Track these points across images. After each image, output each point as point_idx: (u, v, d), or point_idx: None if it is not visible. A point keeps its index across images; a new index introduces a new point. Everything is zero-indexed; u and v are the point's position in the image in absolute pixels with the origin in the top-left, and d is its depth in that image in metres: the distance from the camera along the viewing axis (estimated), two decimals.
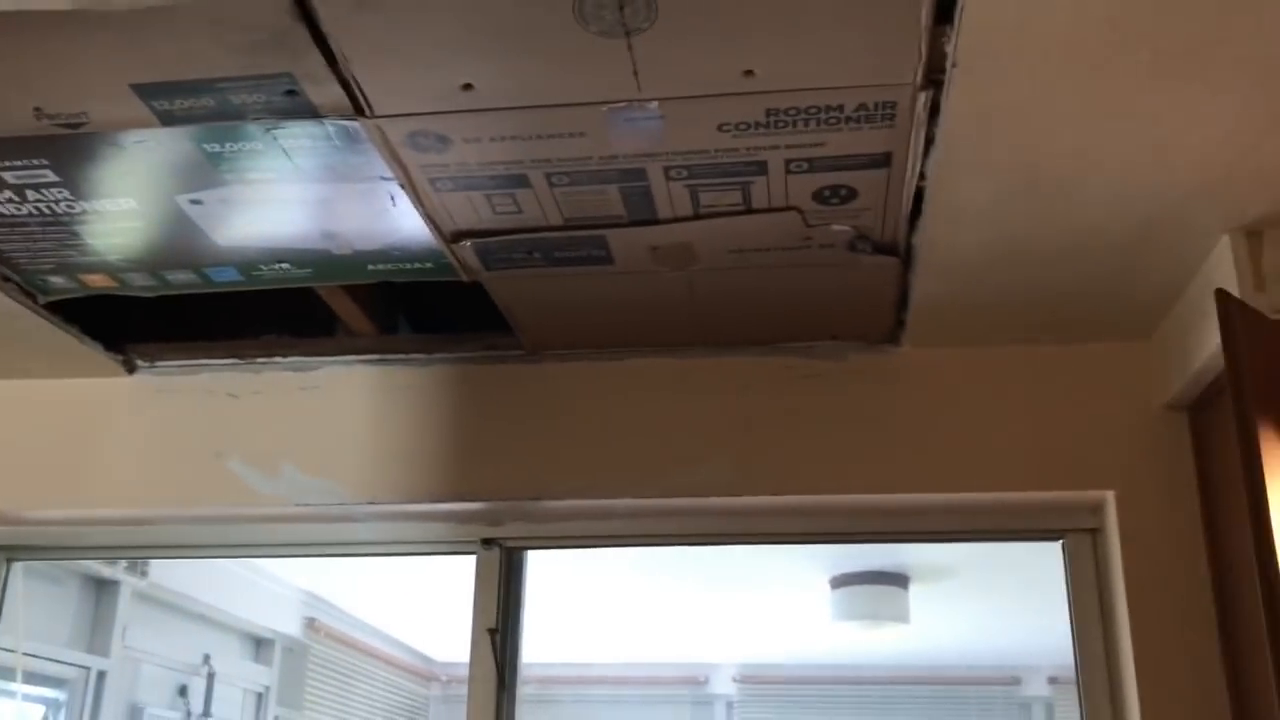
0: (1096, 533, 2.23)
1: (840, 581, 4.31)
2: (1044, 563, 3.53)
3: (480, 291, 2.13)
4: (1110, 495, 2.17)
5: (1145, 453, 2.16)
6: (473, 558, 2.39)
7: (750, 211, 1.81)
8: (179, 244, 1.96)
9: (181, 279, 2.09)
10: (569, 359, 2.37)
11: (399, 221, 1.88)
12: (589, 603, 4.59)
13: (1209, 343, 1.91)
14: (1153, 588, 2.08)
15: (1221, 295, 1.62)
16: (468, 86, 1.52)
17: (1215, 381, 1.98)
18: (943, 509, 2.28)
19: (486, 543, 2.39)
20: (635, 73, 1.47)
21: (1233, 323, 1.57)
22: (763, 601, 4.51)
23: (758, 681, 6.69)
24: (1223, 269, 1.83)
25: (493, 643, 2.30)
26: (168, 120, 1.60)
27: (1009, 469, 2.20)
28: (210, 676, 4.56)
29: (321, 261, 2.02)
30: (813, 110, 1.55)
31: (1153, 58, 1.42)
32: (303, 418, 2.40)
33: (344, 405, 2.41)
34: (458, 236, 1.92)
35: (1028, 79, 1.46)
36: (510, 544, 2.39)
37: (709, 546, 2.37)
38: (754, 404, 2.29)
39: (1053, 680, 6.26)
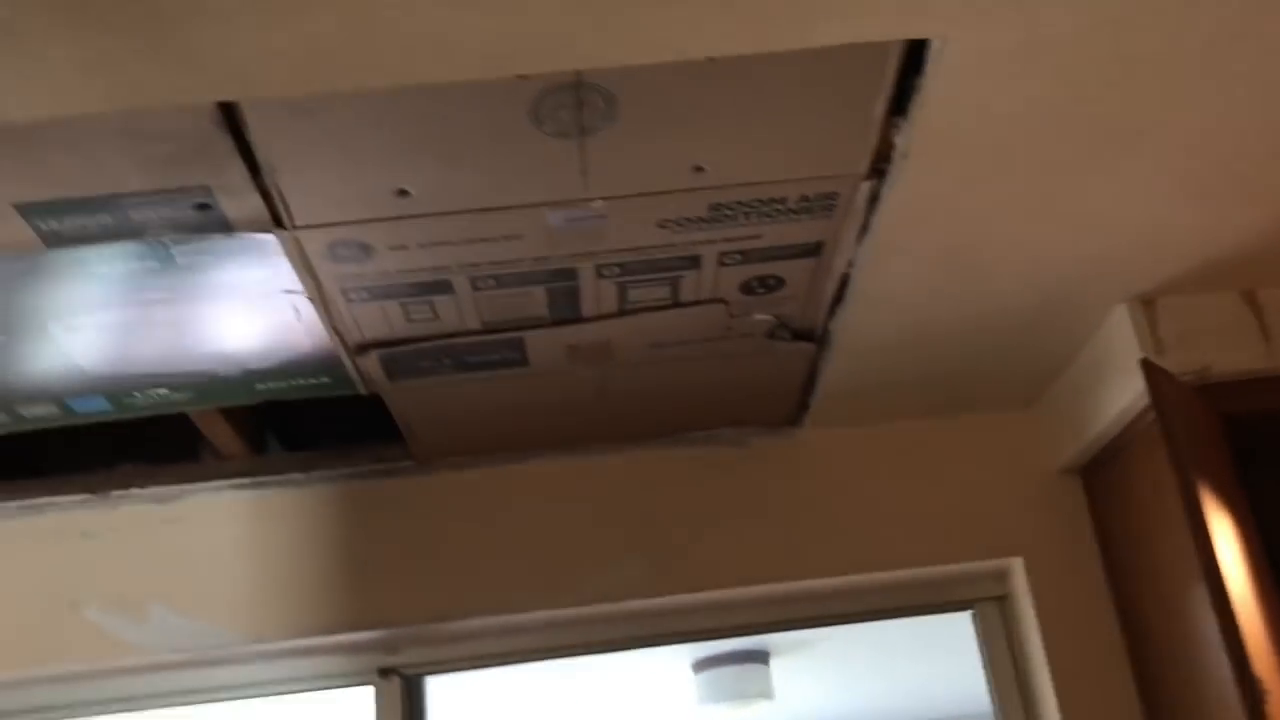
0: (1004, 599, 2.26)
1: (702, 665, 4.24)
2: (891, 629, 3.60)
3: (360, 400, 2.00)
4: (1015, 562, 2.21)
5: (1045, 517, 2.22)
6: (370, 689, 2.22)
7: (676, 305, 1.77)
8: (44, 376, 1.75)
9: (39, 413, 1.87)
10: (463, 466, 2.25)
11: (299, 336, 1.74)
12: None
13: (1106, 407, 1.99)
14: (1070, 647, 2.12)
15: (1147, 364, 1.68)
16: (402, 192, 1.42)
17: (1111, 444, 2.06)
18: (855, 590, 2.27)
19: (384, 672, 2.22)
20: (583, 172, 1.41)
21: (1161, 388, 1.63)
22: (625, 690, 4.41)
23: None
24: (1118, 337, 1.91)
25: None
26: (54, 242, 1.43)
27: (916, 545, 2.22)
28: None
29: (205, 384, 1.85)
30: (756, 203, 1.53)
31: (1083, 144, 1.47)
32: (170, 554, 2.18)
33: (216, 537, 2.20)
34: (363, 348, 1.79)
35: (967, 167, 1.49)
36: (410, 671, 2.23)
37: (626, 651, 2.27)
38: (661, 499, 2.23)
39: None
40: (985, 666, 2.25)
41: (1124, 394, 1.91)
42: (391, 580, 2.18)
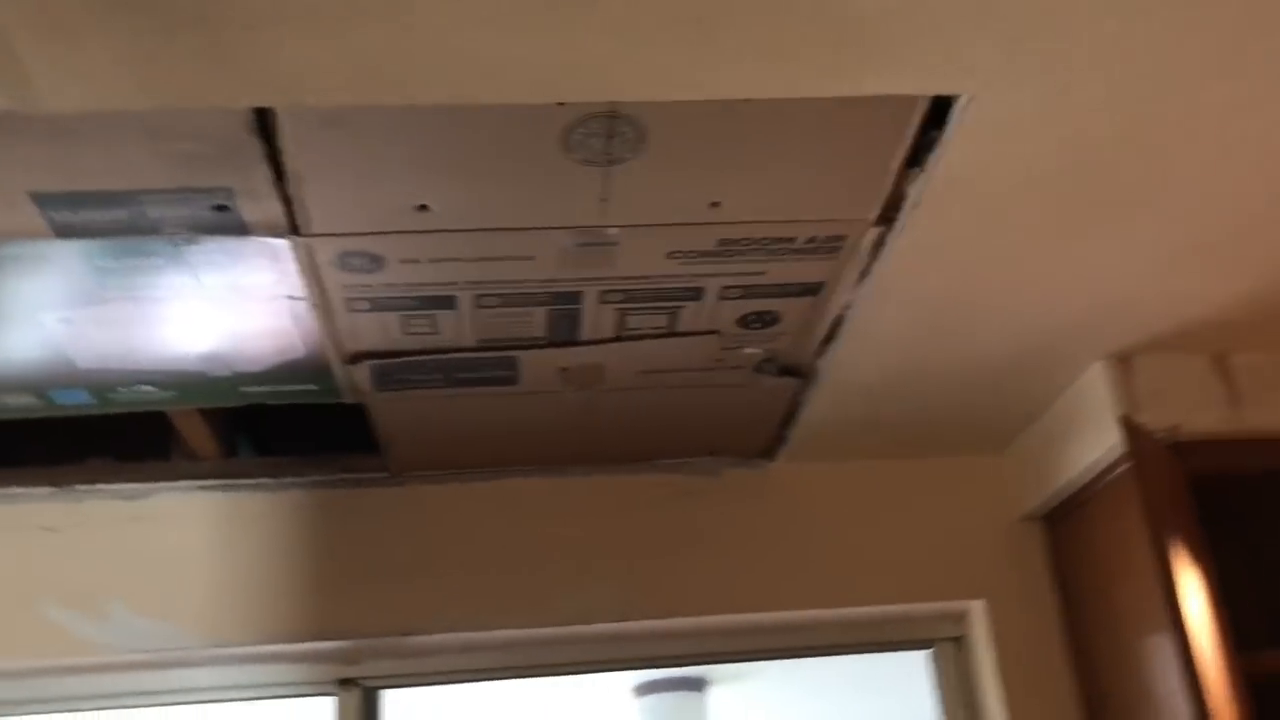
0: (962, 641, 2.31)
1: (644, 689, 4.26)
2: (828, 663, 3.64)
3: (334, 408, 1.99)
4: (974, 604, 2.26)
5: (1007, 562, 2.27)
6: (329, 700, 2.20)
7: (672, 334, 1.79)
8: (30, 366, 1.72)
9: (17, 404, 1.84)
10: (437, 480, 2.24)
11: (293, 341, 1.74)
12: None
13: (1076, 459, 2.04)
14: (1025, 692, 2.17)
15: (1126, 420, 1.74)
16: (423, 207, 1.43)
17: (1076, 494, 2.12)
18: (818, 624, 2.30)
19: (344, 683, 2.20)
20: (604, 199, 1.43)
21: (1138, 444, 1.69)
22: (568, 712, 4.40)
23: None
24: (1094, 391, 1.97)
25: None
26: (64, 233, 1.41)
27: (880, 582, 2.25)
28: None
29: (191, 384, 1.83)
30: (765, 241, 1.56)
31: (1086, 207, 1.52)
32: (135, 552, 2.15)
33: (183, 537, 2.17)
34: (356, 358, 1.79)
35: (972, 221, 1.53)
36: (370, 684, 2.22)
37: (590, 674, 2.27)
38: (634, 524, 2.24)
39: None
40: (939, 707, 2.29)
41: (1095, 447, 1.97)
42: (357, 591, 2.17)
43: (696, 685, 4.30)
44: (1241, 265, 1.72)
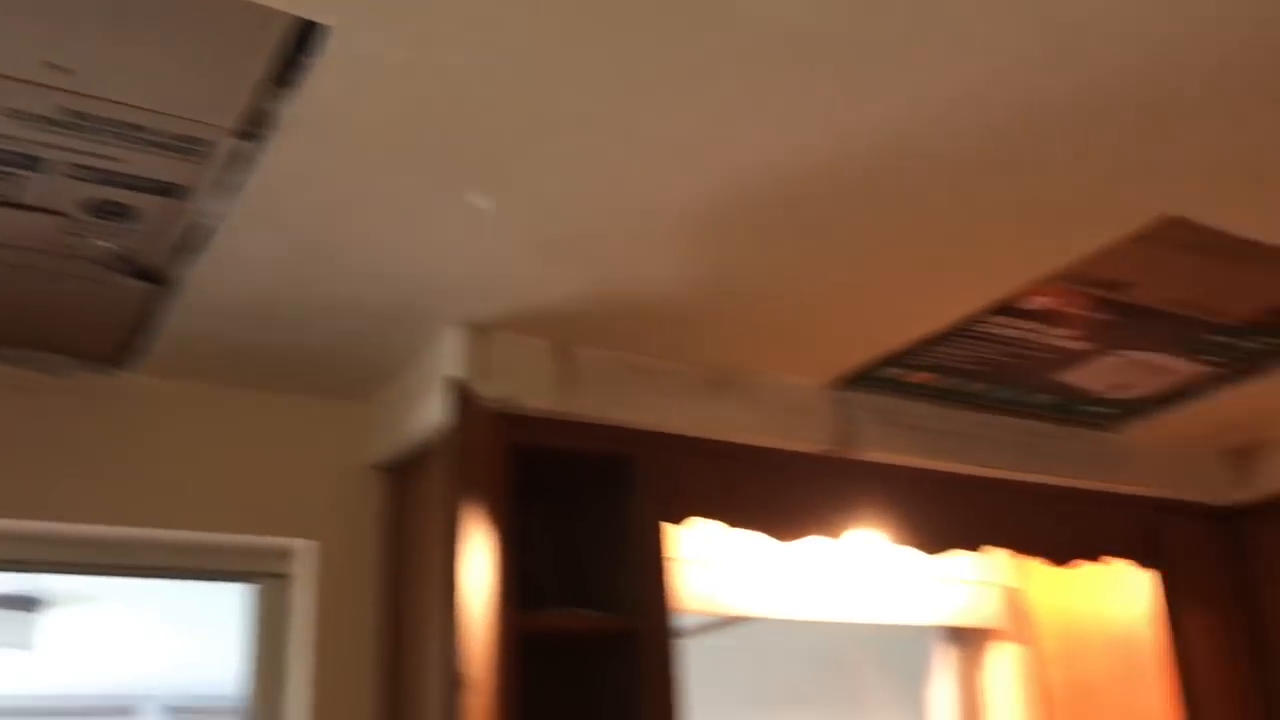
0: (289, 579, 2.32)
1: None
2: (177, 600, 3.53)
3: None
4: (305, 544, 2.28)
5: (346, 507, 2.31)
6: None
7: (10, 205, 1.62)
8: None
9: None
10: None
11: None
12: None
13: (423, 416, 2.13)
14: (336, 635, 2.22)
15: (457, 383, 1.83)
16: None
17: (418, 451, 2.21)
18: (147, 544, 2.21)
19: None
20: None
21: (463, 408, 1.79)
22: None
23: None
24: (446, 356, 2.07)
25: None
26: None
27: (216, 510, 2.21)
28: None
29: None
30: (116, 124, 1.46)
31: (444, 168, 1.59)
32: None
33: None
34: None
35: (341, 158, 1.54)
36: None
37: None
38: None
39: (169, 709, 6.18)
40: (251, 642, 2.28)
41: (436, 409, 2.06)
42: None
43: (29, 605, 4.00)
44: (590, 264, 1.89)
